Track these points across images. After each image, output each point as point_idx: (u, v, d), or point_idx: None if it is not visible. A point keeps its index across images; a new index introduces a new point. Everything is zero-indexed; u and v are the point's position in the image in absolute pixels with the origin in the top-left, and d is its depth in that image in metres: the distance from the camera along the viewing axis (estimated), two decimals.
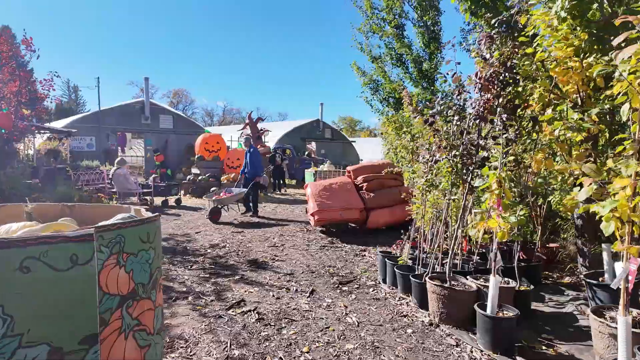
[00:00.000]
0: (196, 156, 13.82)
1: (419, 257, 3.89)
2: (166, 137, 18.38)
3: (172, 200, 10.49)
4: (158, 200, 10.35)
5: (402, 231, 4.67)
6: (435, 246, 3.67)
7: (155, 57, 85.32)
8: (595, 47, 3.09)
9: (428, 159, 3.59)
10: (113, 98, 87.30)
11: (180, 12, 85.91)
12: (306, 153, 18.84)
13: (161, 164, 17.00)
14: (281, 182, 14.94)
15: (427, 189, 3.77)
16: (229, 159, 13.31)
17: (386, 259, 4.37)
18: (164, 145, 18.04)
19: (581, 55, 3.05)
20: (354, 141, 29.35)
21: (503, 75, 3.11)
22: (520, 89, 3.19)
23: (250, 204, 8.92)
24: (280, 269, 4.92)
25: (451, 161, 3.27)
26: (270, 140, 21.23)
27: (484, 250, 4.22)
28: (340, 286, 4.32)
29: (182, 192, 11.48)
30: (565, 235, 5.08)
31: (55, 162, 12.03)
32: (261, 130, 18.63)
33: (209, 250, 5.73)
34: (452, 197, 3.50)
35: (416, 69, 10.27)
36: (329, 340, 3.03)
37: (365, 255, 5.69)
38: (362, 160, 28.46)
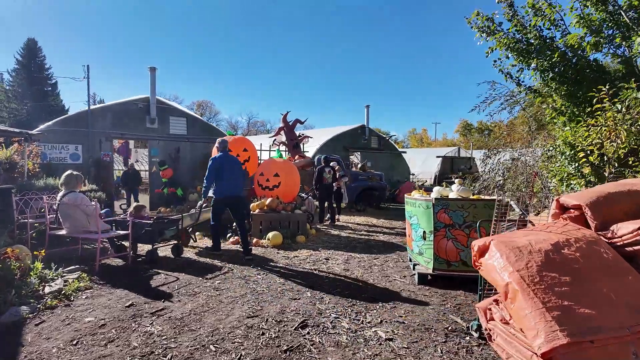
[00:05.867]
0: None
1: None
2: (177, 145, 14.13)
3: (166, 249, 5.99)
4: (144, 247, 5.88)
5: None
6: None
7: (182, 71, 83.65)
8: None
9: None
10: None
11: (206, 24, 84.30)
12: (359, 166, 14.11)
13: (169, 181, 12.71)
14: (335, 207, 10.20)
15: None
16: (263, 175, 8.71)
17: None
18: (174, 155, 13.80)
19: None
20: (404, 152, 24.40)
21: None
22: None
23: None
24: None
25: None
26: (308, 150, 16.71)
27: None
28: None
29: (190, 228, 6.93)
30: None
31: None
32: (300, 136, 14.10)
33: None
34: None
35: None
36: None
37: None
38: (413, 174, 23.35)
